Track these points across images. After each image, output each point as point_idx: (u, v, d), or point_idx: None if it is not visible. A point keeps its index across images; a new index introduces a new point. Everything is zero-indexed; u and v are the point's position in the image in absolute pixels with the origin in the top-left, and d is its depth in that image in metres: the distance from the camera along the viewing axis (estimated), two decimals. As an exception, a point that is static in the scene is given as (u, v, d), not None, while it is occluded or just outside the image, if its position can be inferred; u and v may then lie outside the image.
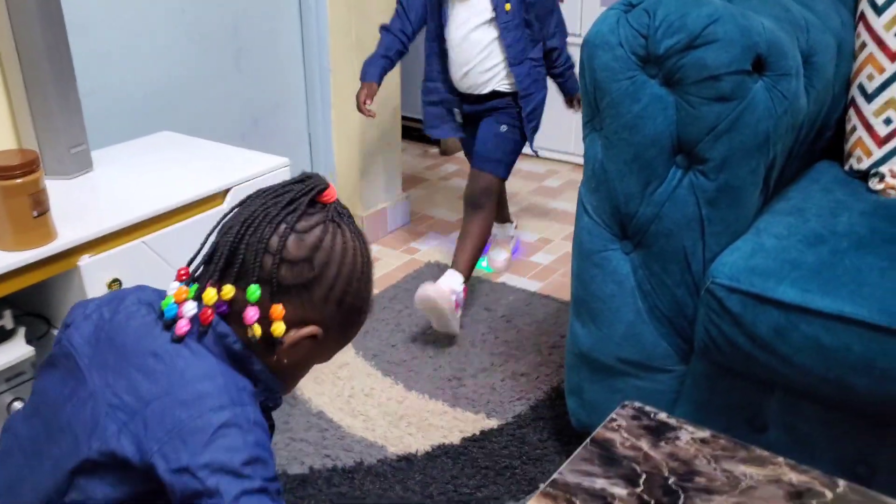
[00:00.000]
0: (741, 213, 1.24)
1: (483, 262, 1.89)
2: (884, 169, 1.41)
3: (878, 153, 1.43)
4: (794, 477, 0.85)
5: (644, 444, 0.90)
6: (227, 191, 1.56)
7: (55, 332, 1.26)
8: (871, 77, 1.45)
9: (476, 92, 2.01)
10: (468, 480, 1.50)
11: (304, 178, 0.83)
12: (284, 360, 0.83)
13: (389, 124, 2.49)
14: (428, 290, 1.85)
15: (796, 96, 1.24)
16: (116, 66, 1.82)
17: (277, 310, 0.79)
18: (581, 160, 1.38)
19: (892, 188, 1.38)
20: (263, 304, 0.79)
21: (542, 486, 0.85)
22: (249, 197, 0.84)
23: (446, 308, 1.84)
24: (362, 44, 2.22)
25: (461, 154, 2.71)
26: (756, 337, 1.14)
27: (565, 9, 2.87)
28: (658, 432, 0.92)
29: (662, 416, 0.95)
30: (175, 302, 0.80)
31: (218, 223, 0.85)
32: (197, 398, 0.74)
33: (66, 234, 1.32)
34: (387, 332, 1.99)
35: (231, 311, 0.80)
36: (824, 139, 1.54)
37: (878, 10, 1.45)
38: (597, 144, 1.29)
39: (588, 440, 0.91)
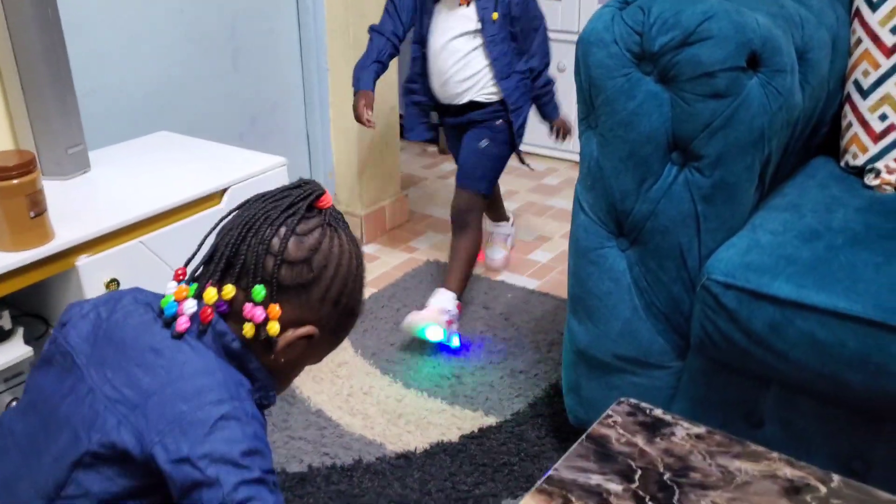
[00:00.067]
0: (736, 210, 1.25)
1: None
2: (879, 165, 1.41)
3: (874, 149, 1.43)
4: (789, 472, 0.85)
5: (639, 440, 0.91)
6: (224, 190, 1.56)
7: (53, 332, 1.27)
8: (866, 73, 1.45)
9: (455, 102, 1.98)
10: (466, 478, 1.50)
11: (301, 184, 0.86)
12: (281, 359, 0.85)
13: (387, 123, 2.50)
14: (415, 315, 1.86)
15: (791, 93, 1.24)
16: (114, 67, 1.82)
17: (275, 310, 0.81)
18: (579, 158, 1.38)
19: (888, 184, 1.38)
20: (264, 304, 0.81)
21: (538, 482, 0.85)
22: (248, 201, 0.87)
23: (439, 325, 1.84)
24: (360, 43, 2.22)
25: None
26: (752, 333, 1.14)
27: (563, 7, 2.90)
28: (653, 428, 0.93)
29: (658, 412, 0.95)
30: (175, 300, 0.82)
31: (216, 225, 0.87)
32: (197, 391, 0.76)
33: (64, 234, 1.33)
34: (385, 331, 1.99)
35: (230, 311, 0.82)
36: (820, 135, 1.54)
37: (874, 6, 1.45)
38: (592, 142, 1.29)
39: (584, 436, 0.92)
